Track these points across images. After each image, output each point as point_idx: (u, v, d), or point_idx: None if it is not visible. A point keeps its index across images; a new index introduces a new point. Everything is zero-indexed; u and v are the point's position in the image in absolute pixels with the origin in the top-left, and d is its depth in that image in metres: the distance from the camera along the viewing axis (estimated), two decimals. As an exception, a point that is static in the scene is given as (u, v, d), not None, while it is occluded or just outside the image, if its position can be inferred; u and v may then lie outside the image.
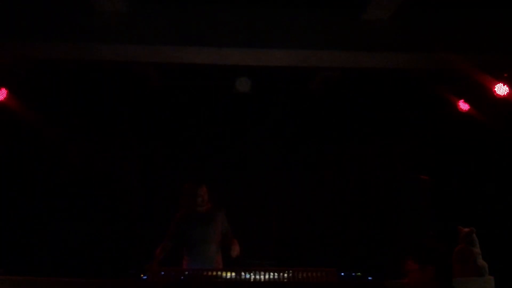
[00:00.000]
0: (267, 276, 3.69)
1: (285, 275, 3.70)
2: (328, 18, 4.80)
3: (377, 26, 4.77)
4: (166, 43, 4.64)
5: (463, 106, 5.91)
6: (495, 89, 5.25)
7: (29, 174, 5.97)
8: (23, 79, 5.43)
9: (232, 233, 4.73)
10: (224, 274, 3.72)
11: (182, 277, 3.70)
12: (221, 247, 4.68)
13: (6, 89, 5.38)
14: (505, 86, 5.20)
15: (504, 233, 5.37)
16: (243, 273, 3.72)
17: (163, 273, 3.75)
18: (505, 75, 5.19)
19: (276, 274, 3.70)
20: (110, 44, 4.65)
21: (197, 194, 4.68)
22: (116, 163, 6.21)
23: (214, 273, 3.75)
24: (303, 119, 6.48)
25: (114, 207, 6.14)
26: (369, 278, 3.96)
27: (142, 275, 3.87)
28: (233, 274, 3.72)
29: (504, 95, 5.22)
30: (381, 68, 5.11)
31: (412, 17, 4.82)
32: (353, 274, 3.93)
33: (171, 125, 6.42)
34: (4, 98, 5.37)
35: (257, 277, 3.69)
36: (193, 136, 6.40)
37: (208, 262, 4.46)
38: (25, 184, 5.94)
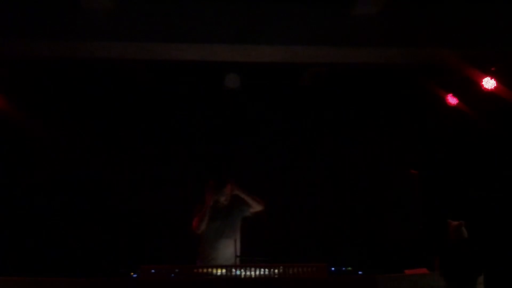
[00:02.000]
0: (257, 272, 3.71)
1: (276, 270, 3.72)
2: (317, 14, 4.80)
3: (366, 22, 4.77)
4: (154, 40, 4.61)
5: (452, 100, 5.94)
6: (483, 83, 5.28)
7: (15, 174, 5.92)
8: (9, 78, 5.37)
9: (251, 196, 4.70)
10: (215, 271, 3.72)
11: (173, 275, 3.70)
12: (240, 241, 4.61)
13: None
14: (493, 80, 5.24)
15: (493, 226, 5.42)
16: (233, 270, 3.73)
17: (153, 271, 3.75)
18: (493, 69, 5.23)
19: (266, 270, 3.72)
20: (97, 41, 4.62)
21: (223, 192, 4.66)
22: (104, 161, 6.17)
23: (205, 270, 3.75)
24: (292, 114, 6.48)
25: (104, 206, 6.11)
26: (359, 272, 3.98)
27: (132, 274, 3.86)
28: (224, 270, 3.73)
29: (491, 89, 5.26)
30: (370, 63, 5.14)
31: (401, 12, 4.84)
32: (344, 268, 3.95)
33: (160, 122, 6.39)
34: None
35: (248, 273, 3.70)
36: (182, 132, 6.38)
37: (228, 257, 4.38)
38: (11, 184, 5.89)
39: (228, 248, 4.44)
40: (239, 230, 4.67)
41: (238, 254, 4.39)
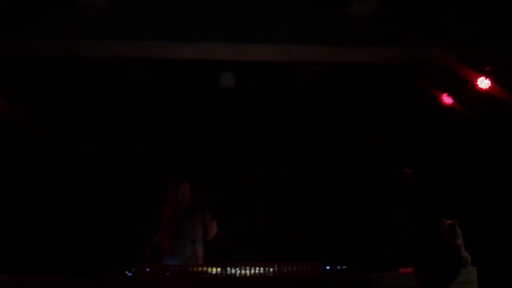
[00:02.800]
0: (252, 271, 3.71)
1: (271, 269, 3.71)
2: (312, 13, 4.80)
3: (361, 21, 4.79)
4: (149, 38, 4.61)
5: (447, 99, 5.95)
6: (478, 82, 5.30)
7: (12, 173, 5.89)
8: (4, 76, 5.35)
9: (214, 225, 4.71)
10: (209, 270, 3.72)
11: (168, 273, 3.70)
12: (204, 243, 4.68)
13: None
14: (487, 79, 5.25)
15: (486, 224, 5.44)
16: (228, 268, 3.73)
17: (148, 269, 3.75)
18: (487, 68, 5.24)
19: (261, 268, 3.72)
20: (92, 40, 4.62)
21: (179, 191, 4.70)
22: (99, 160, 6.16)
23: (200, 268, 3.75)
24: (287, 113, 6.48)
25: (98, 205, 6.09)
26: (354, 271, 3.99)
27: (127, 272, 3.86)
28: (219, 269, 3.72)
29: (486, 88, 5.27)
30: (364, 63, 5.15)
31: (395, 12, 4.85)
32: (338, 267, 3.95)
33: (155, 121, 6.38)
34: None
35: (243, 272, 3.70)
36: (178, 131, 6.37)
37: (185, 258, 4.45)
38: (9, 183, 5.86)
39: (185, 248, 4.50)
40: (199, 231, 4.69)
41: (199, 259, 4.47)
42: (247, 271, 3.70)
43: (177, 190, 4.72)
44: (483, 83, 5.27)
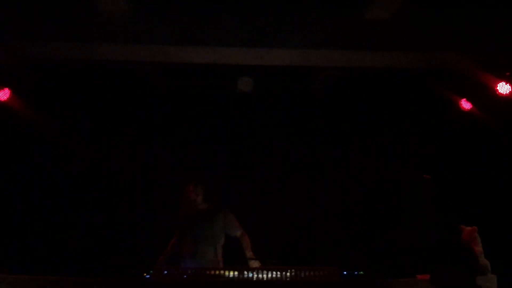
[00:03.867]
0: (269, 275, 3.70)
1: (287, 274, 3.71)
2: (330, 17, 4.80)
3: (379, 26, 4.77)
4: (168, 43, 4.65)
5: (465, 105, 5.90)
6: (498, 88, 5.24)
7: (31, 174, 5.98)
8: (25, 79, 5.45)
9: (241, 231, 4.69)
10: (226, 273, 3.73)
11: (185, 276, 3.72)
12: (222, 247, 4.68)
13: (9, 89, 5.40)
14: (508, 84, 5.20)
15: (506, 232, 5.36)
16: (245, 272, 3.73)
17: (166, 272, 3.77)
18: (507, 73, 5.19)
19: (278, 273, 3.71)
20: (112, 44, 4.67)
21: (193, 193, 4.70)
22: (119, 163, 6.22)
23: (217, 272, 3.76)
24: (304, 118, 6.47)
25: (117, 207, 6.15)
26: (372, 277, 3.96)
27: (145, 274, 3.88)
28: (236, 273, 3.73)
29: (506, 94, 5.21)
30: (382, 68, 5.12)
31: (414, 17, 4.83)
32: (356, 272, 3.93)
33: (173, 125, 6.42)
34: (7, 98, 5.39)
35: (260, 276, 3.70)
36: (196, 135, 6.40)
37: (202, 262, 4.44)
38: (28, 183, 5.95)
39: (206, 253, 4.50)
40: (222, 238, 4.68)
41: (220, 262, 4.45)
42: (264, 275, 3.70)
43: (190, 192, 4.71)
44: (504, 88, 5.21)
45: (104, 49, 4.75)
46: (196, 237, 4.58)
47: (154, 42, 4.66)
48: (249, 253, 4.52)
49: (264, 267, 3.79)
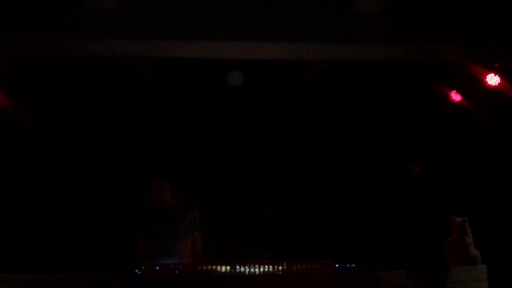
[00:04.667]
0: (261, 269, 3.71)
1: (280, 267, 3.72)
2: (321, 11, 4.80)
3: (369, 19, 4.78)
4: (157, 37, 4.63)
5: (455, 97, 5.93)
6: (487, 79, 5.27)
7: (21, 172, 5.93)
8: (13, 76, 5.39)
9: (198, 232, 4.67)
10: (218, 268, 3.73)
11: (177, 271, 3.72)
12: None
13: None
14: (497, 76, 5.22)
15: (496, 222, 5.41)
16: (237, 267, 3.74)
17: (158, 268, 3.76)
18: (496, 65, 5.21)
19: (270, 267, 3.72)
20: (101, 39, 4.64)
21: (159, 191, 4.65)
22: (109, 159, 6.18)
23: (209, 267, 3.76)
24: (296, 112, 6.47)
25: (108, 204, 6.12)
26: (364, 269, 3.99)
27: (136, 271, 3.87)
28: (228, 267, 3.73)
29: (495, 85, 5.24)
30: (373, 61, 5.13)
31: (404, 9, 4.84)
32: (348, 266, 3.95)
33: (163, 120, 6.40)
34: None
35: (252, 270, 3.71)
36: (185, 130, 6.38)
37: (172, 257, 4.36)
38: (19, 181, 5.91)
39: (178, 251, 4.45)
40: (191, 233, 4.65)
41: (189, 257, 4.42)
42: (256, 270, 3.71)
43: (159, 189, 4.64)
44: (492, 80, 5.24)
45: (93, 45, 4.72)
46: (167, 234, 4.54)
47: (143, 37, 4.64)
48: (199, 254, 4.53)
49: (256, 261, 3.79)
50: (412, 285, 2.50)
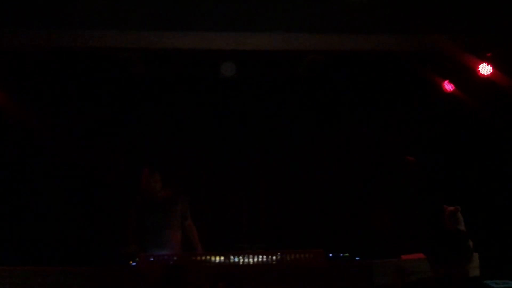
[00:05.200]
0: (255, 259, 3.73)
1: (274, 257, 3.73)
2: (312, 1, 4.77)
3: (361, 9, 4.75)
4: (148, 28, 4.59)
5: (448, 86, 5.94)
6: (479, 69, 5.28)
7: (10, 167, 5.89)
8: (2, 68, 5.33)
9: (191, 220, 4.70)
10: (213, 258, 3.74)
11: (172, 262, 3.72)
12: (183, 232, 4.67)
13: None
14: (489, 65, 5.23)
15: (489, 211, 5.45)
16: (232, 257, 3.75)
17: (152, 259, 3.77)
18: (488, 54, 5.22)
19: (264, 256, 3.74)
20: (90, 30, 4.59)
21: (148, 181, 4.66)
22: (100, 151, 6.15)
23: (203, 257, 3.77)
24: (288, 102, 6.47)
25: (102, 196, 6.10)
26: (357, 258, 4.01)
27: (131, 262, 3.87)
28: (222, 258, 3.74)
29: (487, 74, 5.25)
30: (365, 51, 5.11)
31: (395, -1, 4.82)
32: (341, 254, 3.98)
33: (155, 112, 6.37)
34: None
35: (246, 260, 3.72)
36: (177, 121, 6.37)
37: (165, 248, 4.42)
38: (10, 177, 5.86)
39: (170, 242, 4.48)
40: (187, 220, 4.69)
41: (180, 242, 4.43)
42: (250, 259, 3.72)
43: (148, 180, 4.65)
44: (485, 69, 5.25)
45: (83, 36, 4.67)
46: (159, 224, 4.54)
47: (133, 28, 4.60)
48: (195, 243, 4.56)
49: (250, 251, 3.80)
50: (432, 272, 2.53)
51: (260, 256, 3.74)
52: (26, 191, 5.87)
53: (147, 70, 6.04)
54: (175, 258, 3.79)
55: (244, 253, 3.80)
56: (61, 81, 5.99)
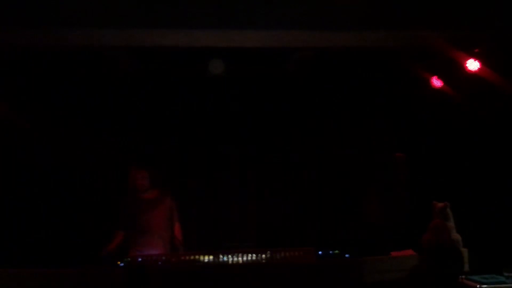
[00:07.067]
0: (245, 258, 3.71)
1: (264, 255, 3.72)
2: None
3: (349, 5, 4.74)
4: (136, 26, 4.54)
5: (437, 82, 5.95)
6: (467, 65, 5.29)
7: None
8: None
9: (178, 221, 4.67)
10: (202, 258, 3.72)
11: (160, 262, 3.70)
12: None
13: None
14: (477, 61, 5.25)
15: (477, 206, 5.48)
16: (221, 256, 3.73)
17: (140, 259, 3.74)
18: (476, 50, 5.24)
19: (254, 255, 3.72)
20: (77, 29, 4.53)
21: (136, 178, 4.59)
22: (88, 150, 6.10)
23: (192, 257, 3.75)
24: (277, 100, 6.45)
25: (90, 195, 6.05)
26: (347, 255, 4.02)
27: (119, 263, 3.85)
28: (211, 257, 3.73)
29: (475, 70, 5.27)
30: (354, 47, 5.10)
31: (384, -5, 4.81)
32: (331, 252, 3.98)
33: (144, 110, 6.33)
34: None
35: (235, 259, 3.70)
36: (166, 119, 6.33)
37: (152, 248, 4.39)
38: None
39: (161, 242, 4.46)
40: (175, 219, 4.67)
41: (169, 242, 4.40)
42: (240, 258, 3.71)
43: (135, 178, 4.59)
44: (472, 65, 5.27)
45: (70, 34, 4.60)
46: (147, 225, 4.50)
47: (121, 26, 4.54)
48: (178, 241, 4.52)
49: (240, 250, 3.79)
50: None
51: (250, 255, 3.73)
52: (8, 190, 5.80)
53: (136, 68, 6.00)
54: (163, 257, 3.77)
55: (233, 252, 3.78)
56: (49, 80, 5.94)
